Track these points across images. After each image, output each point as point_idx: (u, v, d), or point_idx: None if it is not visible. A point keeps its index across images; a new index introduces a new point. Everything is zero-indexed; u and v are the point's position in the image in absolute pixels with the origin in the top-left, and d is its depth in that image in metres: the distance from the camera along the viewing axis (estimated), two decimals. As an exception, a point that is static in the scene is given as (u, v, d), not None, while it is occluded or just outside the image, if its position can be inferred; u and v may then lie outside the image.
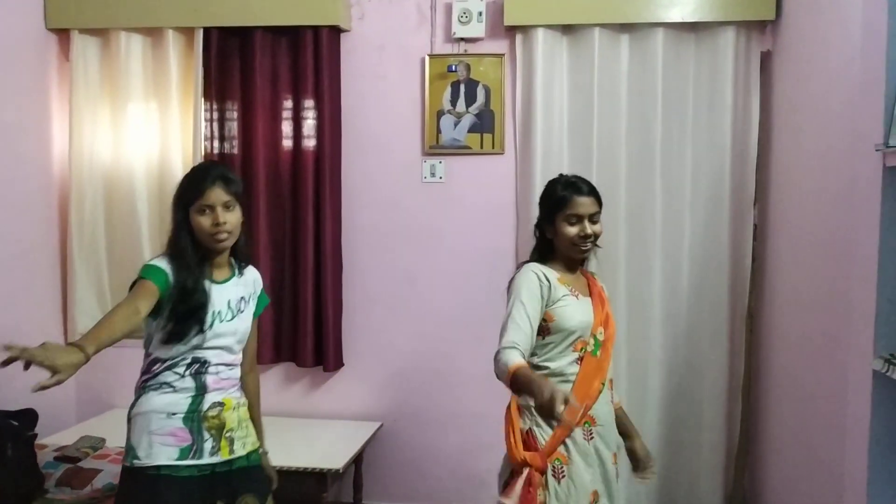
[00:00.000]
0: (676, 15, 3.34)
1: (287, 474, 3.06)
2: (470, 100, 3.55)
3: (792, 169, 3.07)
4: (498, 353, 2.08)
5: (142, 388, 2.18)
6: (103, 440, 3.12)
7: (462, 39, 3.53)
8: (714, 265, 3.44)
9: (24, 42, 3.52)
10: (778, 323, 3.17)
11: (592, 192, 2.24)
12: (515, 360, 2.02)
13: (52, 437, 3.27)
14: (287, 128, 3.58)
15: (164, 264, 2.13)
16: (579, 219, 2.20)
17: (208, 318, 2.14)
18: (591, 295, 2.28)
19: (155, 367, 2.16)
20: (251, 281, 2.32)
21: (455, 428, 3.53)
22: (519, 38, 3.48)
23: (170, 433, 2.11)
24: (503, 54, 3.53)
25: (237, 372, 2.28)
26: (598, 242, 2.27)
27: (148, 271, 2.11)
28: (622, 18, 3.38)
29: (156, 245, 3.72)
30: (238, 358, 2.27)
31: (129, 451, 2.13)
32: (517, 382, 1.97)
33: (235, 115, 3.60)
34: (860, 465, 2.18)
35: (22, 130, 3.50)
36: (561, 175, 2.35)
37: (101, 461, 2.90)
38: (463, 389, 3.53)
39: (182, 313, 2.10)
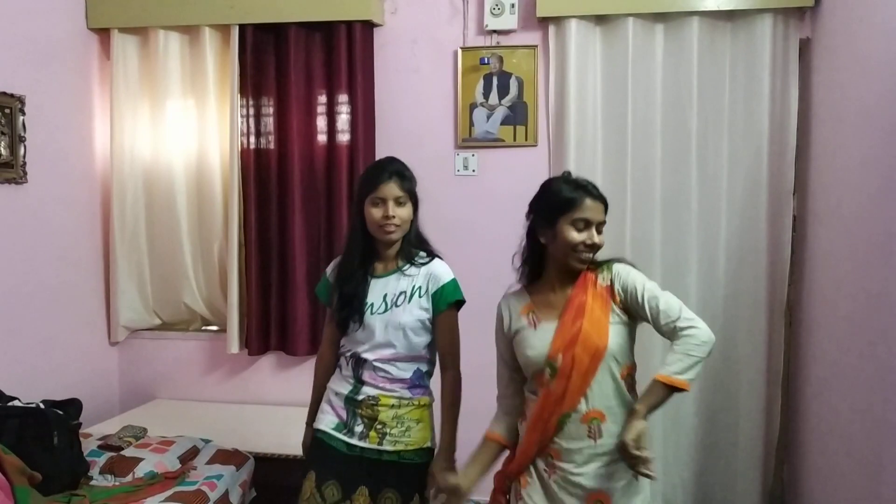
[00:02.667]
0: (712, 3, 3.29)
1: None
2: (503, 92, 3.54)
3: (832, 158, 3.01)
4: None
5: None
6: (145, 430, 3.19)
7: (494, 31, 3.53)
8: (751, 257, 3.38)
9: (66, 42, 3.60)
10: (817, 316, 3.11)
11: (603, 198, 2.01)
12: (490, 429, 2.18)
13: (96, 427, 3.37)
14: (321, 122, 3.61)
15: (329, 272, 2.41)
16: (587, 225, 1.97)
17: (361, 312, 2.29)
18: (563, 312, 1.99)
19: (341, 349, 2.39)
20: (423, 275, 2.31)
21: (484, 421, 3.53)
22: (552, 29, 3.46)
23: (334, 407, 2.36)
24: (536, 46, 3.51)
25: (405, 372, 2.31)
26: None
27: (321, 289, 2.42)
28: (656, 7, 3.34)
29: (195, 239, 3.80)
30: (402, 355, 2.30)
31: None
32: None
33: (271, 110, 3.64)
34: (900, 459, 2.15)
35: (65, 128, 3.59)
36: (565, 173, 2.10)
37: (143, 450, 2.97)
38: (492, 382, 3.53)
39: (340, 304, 2.30)
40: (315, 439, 2.36)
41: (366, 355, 2.29)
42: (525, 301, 2.11)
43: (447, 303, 2.32)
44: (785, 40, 3.31)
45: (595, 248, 1.99)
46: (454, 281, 2.34)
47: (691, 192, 3.41)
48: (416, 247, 2.35)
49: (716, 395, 3.44)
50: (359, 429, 2.29)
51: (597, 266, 2.04)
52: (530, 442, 2.01)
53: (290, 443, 3.20)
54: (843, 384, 2.76)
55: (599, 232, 1.99)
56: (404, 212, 2.25)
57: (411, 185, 2.28)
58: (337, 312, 2.31)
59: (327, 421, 2.34)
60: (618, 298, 1.98)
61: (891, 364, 2.28)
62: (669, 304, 1.92)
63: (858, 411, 2.57)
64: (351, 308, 2.28)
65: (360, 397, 2.30)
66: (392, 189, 2.22)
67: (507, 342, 2.13)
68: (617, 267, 2.03)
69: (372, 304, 2.28)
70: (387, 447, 2.28)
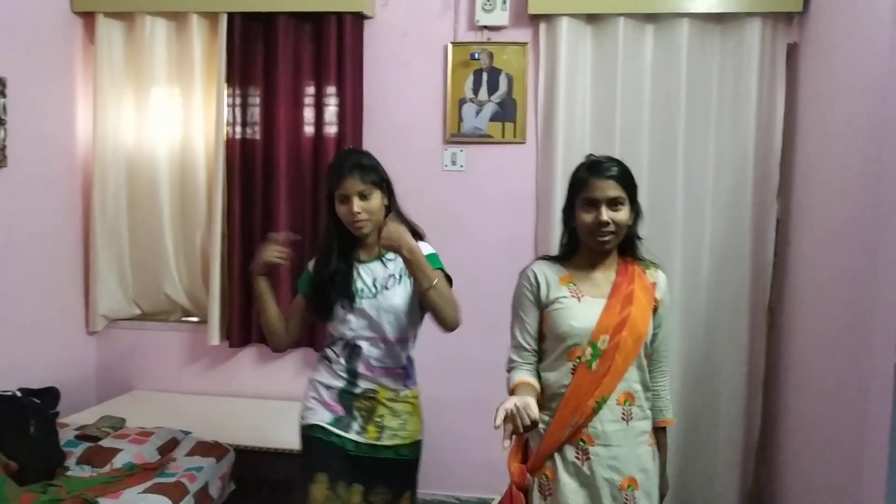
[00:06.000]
0: (702, 5, 3.30)
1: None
2: (492, 88, 3.53)
3: (817, 162, 3.04)
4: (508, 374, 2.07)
5: (319, 358, 2.38)
6: (123, 420, 3.15)
7: (485, 27, 3.52)
8: (735, 258, 3.41)
9: (50, 25, 3.54)
10: (799, 317, 3.14)
11: (619, 175, 1.95)
12: (515, 378, 2.01)
13: (73, 416, 3.32)
14: (309, 114, 3.58)
15: (311, 264, 2.34)
16: (595, 203, 1.94)
17: (351, 294, 2.24)
18: (611, 295, 2.00)
19: (326, 340, 2.35)
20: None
21: (469, 416, 3.52)
22: (543, 26, 3.46)
23: (327, 401, 2.29)
24: (526, 43, 3.51)
25: (398, 359, 2.29)
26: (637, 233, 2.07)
27: (301, 282, 2.36)
28: (647, 8, 3.35)
29: (177, 229, 3.75)
30: (395, 337, 2.26)
31: (301, 409, 2.35)
32: None
33: (258, 100, 3.61)
34: (881, 461, 2.17)
35: (47, 113, 3.54)
36: (589, 156, 2.08)
37: (122, 441, 2.93)
38: (479, 377, 3.52)
39: (320, 287, 2.25)
40: (311, 438, 2.27)
41: (360, 342, 2.24)
42: (562, 272, 2.05)
43: (438, 266, 2.28)
44: (773, 44, 3.34)
45: (608, 225, 1.94)
46: (434, 254, 2.31)
47: (677, 193, 3.43)
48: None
49: (696, 396, 3.46)
50: (356, 424, 2.26)
51: (642, 260, 2.07)
52: (561, 427, 1.96)
53: (271, 436, 3.19)
54: (822, 386, 2.78)
55: (614, 209, 1.94)
56: (371, 203, 2.21)
57: (375, 176, 2.23)
58: (317, 297, 2.26)
59: (321, 416, 2.26)
60: (654, 300, 2.05)
61: (869, 367, 2.31)
62: (669, 342, 2.15)
63: (837, 414, 2.59)
64: (334, 290, 2.23)
65: (358, 391, 2.26)
66: (354, 185, 2.18)
67: (539, 310, 2.05)
68: (663, 279, 2.09)
69: (363, 289, 2.25)
70: (385, 442, 2.26)
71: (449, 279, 2.32)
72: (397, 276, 2.28)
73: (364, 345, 2.25)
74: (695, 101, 3.40)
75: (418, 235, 2.33)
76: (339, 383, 2.27)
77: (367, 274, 2.27)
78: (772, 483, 3.40)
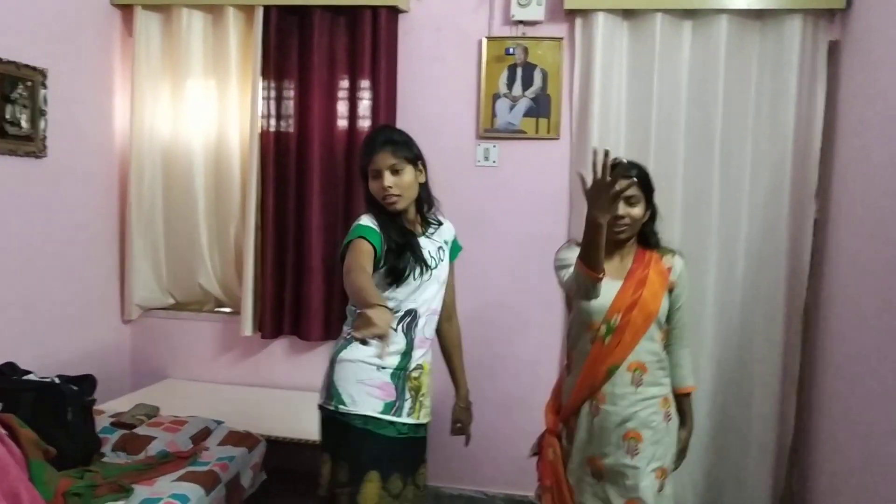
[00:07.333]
0: (742, 1, 3.25)
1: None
2: (526, 84, 3.51)
3: (857, 163, 2.98)
4: (566, 280, 2.23)
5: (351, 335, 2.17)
6: (157, 408, 3.20)
7: (520, 22, 3.50)
8: (771, 259, 3.36)
9: (89, 17, 3.59)
10: (835, 320, 3.09)
11: (637, 176, 2.24)
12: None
13: (108, 404, 3.38)
14: (342, 108, 3.59)
15: (371, 222, 2.19)
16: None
17: (427, 262, 2.23)
18: (626, 279, 2.29)
19: None
20: (445, 230, 2.37)
21: (501, 412, 3.53)
22: (578, 21, 3.43)
23: (378, 385, 2.18)
24: (562, 38, 3.48)
25: (433, 332, 2.33)
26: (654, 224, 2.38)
27: (363, 231, 2.14)
28: (685, 4, 3.31)
29: (211, 220, 3.79)
30: (439, 309, 2.33)
31: (334, 395, 2.19)
32: (585, 253, 2.04)
33: (292, 93, 3.62)
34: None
35: (86, 104, 3.59)
36: (614, 159, 2.23)
37: (156, 429, 2.97)
38: (511, 375, 3.53)
39: (398, 253, 2.16)
40: (363, 431, 2.15)
41: (422, 311, 2.23)
42: None
43: (458, 252, 2.44)
44: (814, 42, 3.27)
45: (623, 218, 2.24)
46: (455, 241, 2.43)
47: (713, 192, 3.38)
48: (429, 209, 2.34)
49: (729, 396, 3.43)
50: (407, 405, 2.21)
51: (659, 247, 2.38)
52: (582, 388, 2.32)
53: (302, 427, 3.21)
54: (858, 389, 2.74)
55: (631, 204, 2.25)
56: (403, 179, 2.18)
57: (407, 151, 2.20)
58: (397, 262, 2.17)
59: (373, 405, 2.16)
60: (670, 283, 2.34)
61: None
62: (686, 318, 2.42)
63: (874, 419, 2.55)
64: (414, 257, 2.19)
65: (411, 366, 2.22)
66: (385, 159, 2.16)
67: None
68: (679, 263, 2.38)
69: (431, 259, 2.25)
70: (422, 420, 2.28)
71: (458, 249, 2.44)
72: (444, 248, 2.33)
73: (423, 314, 2.23)
74: (733, 99, 3.35)
75: (431, 205, 2.35)
76: (393, 361, 2.19)
77: (426, 246, 2.26)
78: (804, 487, 3.36)
